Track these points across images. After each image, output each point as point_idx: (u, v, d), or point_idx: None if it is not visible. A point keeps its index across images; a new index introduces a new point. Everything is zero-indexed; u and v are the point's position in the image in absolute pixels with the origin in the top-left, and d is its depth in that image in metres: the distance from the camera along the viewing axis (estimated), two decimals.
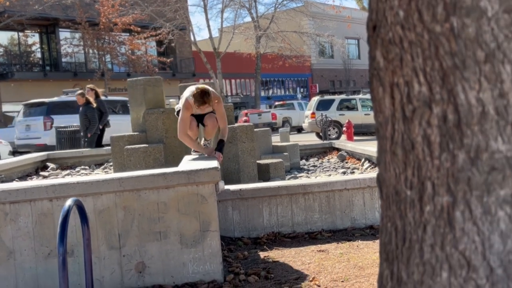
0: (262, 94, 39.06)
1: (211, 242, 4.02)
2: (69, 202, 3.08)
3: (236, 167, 7.03)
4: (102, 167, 9.40)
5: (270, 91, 42.36)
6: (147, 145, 6.82)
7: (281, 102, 32.54)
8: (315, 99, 20.25)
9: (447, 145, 1.33)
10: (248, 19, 34.69)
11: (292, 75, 41.53)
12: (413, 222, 1.43)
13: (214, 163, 4.26)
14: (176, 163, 6.04)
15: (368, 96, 21.59)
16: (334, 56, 44.28)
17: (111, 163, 9.55)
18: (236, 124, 7.35)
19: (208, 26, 31.83)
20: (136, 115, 7.59)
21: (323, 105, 19.57)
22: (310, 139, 17.90)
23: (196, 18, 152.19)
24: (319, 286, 3.71)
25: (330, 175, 8.13)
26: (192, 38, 30.99)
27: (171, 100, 8.75)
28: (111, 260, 3.98)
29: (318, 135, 19.49)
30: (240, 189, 5.30)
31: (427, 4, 1.33)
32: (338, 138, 18.38)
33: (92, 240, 3.91)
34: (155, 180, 3.97)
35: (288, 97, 41.11)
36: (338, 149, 10.51)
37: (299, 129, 27.97)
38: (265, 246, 4.90)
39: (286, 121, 28.59)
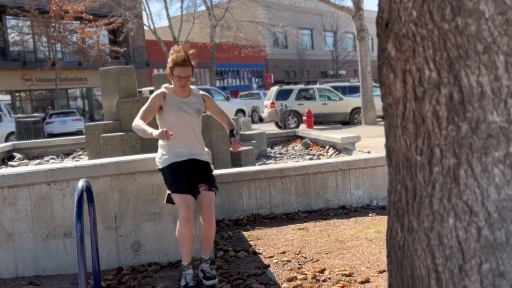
0: (217, 84, 39.20)
1: None
2: (81, 182, 3.31)
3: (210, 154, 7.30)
4: (71, 156, 9.46)
5: (225, 81, 42.52)
6: (123, 133, 7.00)
7: (246, 92, 32.69)
8: (274, 89, 20.65)
9: (453, 118, 1.67)
10: (203, 8, 34.60)
11: (247, 65, 41.84)
12: (423, 181, 1.78)
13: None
14: (152, 151, 6.26)
15: (325, 86, 22.18)
16: (289, 46, 44.85)
17: (80, 153, 9.64)
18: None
19: (168, 14, 31.63)
20: (109, 104, 7.73)
21: (282, 95, 20.02)
22: (269, 128, 18.28)
23: (152, 7, 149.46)
24: (305, 258, 4.06)
25: (297, 161, 8.50)
26: (151, 27, 30.74)
27: (144, 89, 8.89)
28: (108, 240, 4.20)
29: (277, 124, 19.92)
30: (221, 174, 5.59)
31: (437, 7, 1.67)
32: (297, 127, 18.86)
33: (88, 222, 4.13)
34: (149, 163, 4.20)
35: (243, 87, 41.42)
36: (301, 137, 10.89)
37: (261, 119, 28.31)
38: (248, 227, 5.21)
39: (254, 111, 28.80)
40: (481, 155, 1.63)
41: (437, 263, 1.72)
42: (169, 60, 3.71)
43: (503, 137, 1.60)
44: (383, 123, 16.18)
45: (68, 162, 4.57)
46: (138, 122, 3.73)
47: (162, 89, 3.87)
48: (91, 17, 28.76)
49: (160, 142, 3.87)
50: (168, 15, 31.04)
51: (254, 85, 40.10)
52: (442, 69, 1.68)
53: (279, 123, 19.46)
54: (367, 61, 19.60)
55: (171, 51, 3.74)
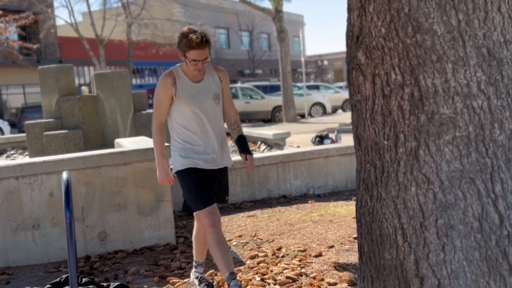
0: (134, 82, 38.78)
1: (165, 210, 4.65)
2: (65, 174, 3.56)
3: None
4: (5, 156, 9.34)
5: (142, 79, 42.09)
6: (67, 131, 7.13)
7: None
8: None
9: (414, 111, 2.20)
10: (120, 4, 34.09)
11: (165, 63, 41.62)
12: (390, 160, 2.30)
13: None
14: (93, 148, 6.49)
15: (247, 85, 22.81)
16: None
17: (12, 152, 9.54)
18: (150, 110, 7.89)
19: (90, 11, 30.81)
20: (49, 102, 7.79)
21: None
22: None
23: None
24: (261, 239, 4.53)
25: (232, 156, 8.93)
26: (73, 23, 29.84)
27: (83, 87, 8.99)
28: (75, 231, 4.44)
29: None
30: (171, 168, 5.92)
31: (401, 26, 2.19)
32: None
33: (57, 214, 4.37)
34: (115, 158, 4.50)
35: None
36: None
37: None
38: None
39: None
40: (436, 139, 2.17)
41: (403, 222, 2.25)
42: (182, 41, 3.05)
43: (451, 125, 2.15)
44: (303, 120, 17.05)
45: (37, 158, 4.73)
46: (154, 138, 3.28)
47: (170, 70, 3.24)
48: (0, 12, 27.52)
49: (174, 140, 3.32)
50: (90, 12, 30.30)
51: None
52: (405, 73, 2.21)
53: None
54: (287, 61, 20.44)
55: (183, 31, 3.09)
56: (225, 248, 3.17)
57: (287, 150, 6.83)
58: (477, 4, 2.14)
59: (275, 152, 6.86)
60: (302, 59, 24.36)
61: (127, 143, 5.29)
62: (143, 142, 5.22)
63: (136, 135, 7.60)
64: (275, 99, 21.86)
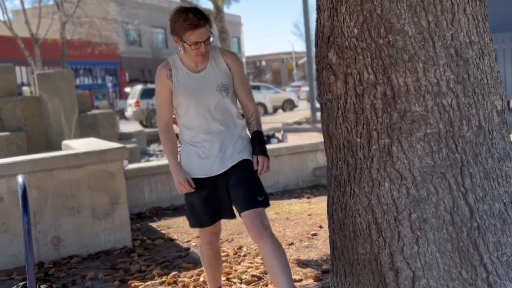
0: None
1: (120, 213, 4.56)
2: (20, 178, 3.42)
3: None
4: None
5: (77, 79, 40.93)
6: (9, 133, 6.84)
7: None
8: (138, 88, 20.64)
9: (386, 109, 2.27)
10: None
11: (101, 62, 40.67)
12: (363, 157, 2.36)
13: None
14: (37, 151, 6.26)
15: None
16: (143, 44, 44.44)
17: None
18: (97, 111, 7.70)
19: (24, 9, 29.49)
20: None
21: (147, 94, 20.07)
22: (134, 127, 18.24)
23: None
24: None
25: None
26: (6, 21, 28.45)
27: (24, 88, 8.63)
28: None
29: (141, 123, 19.94)
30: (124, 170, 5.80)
31: (374, 26, 2.25)
32: None
33: (8, 219, 4.20)
34: (67, 160, 4.37)
35: (96, 85, 40.21)
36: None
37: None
38: (154, 218, 5.53)
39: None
40: (408, 135, 2.25)
41: (377, 217, 2.31)
42: (176, 23, 2.60)
43: (423, 122, 2.23)
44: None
45: None
46: (162, 141, 2.88)
47: (166, 61, 2.81)
48: None
49: (179, 141, 2.92)
50: (24, 10, 29.03)
51: (109, 84, 39.15)
52: (378, 72, 2.27)
53: (144, 122, 19.52)
54: None
55: (172, 14, 2.64)
56: (213, 268, 2.99)
57: None
58: (445, 6, 2.23)
59: None
60: (244, 60, 24.43)
61: (77, 145, 5.15)
62: (95, 143, 5.10)
63: (81, 136, 7.39)
64: None
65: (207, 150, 2.74)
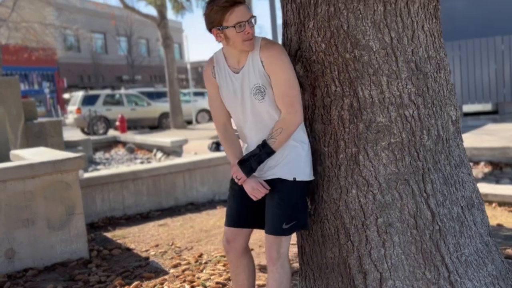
0: None
1: (76, 224, 4.49)
2: None
3: None
4: None
5: None
6: None
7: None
8: (79, 94, 20.16)
9: (353, 120, 2.40)
10: None
11: (37, 68, 39.41)
12: (331, 165, 2.48)
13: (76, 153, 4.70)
14: None
15: (131, 91, 22.31)
16: (82, 50, 43.42)
17: None
18: (44, 119, 7.51)
19: None
20: None
21: (89, 100, 19.66)
22: (74, 134, 17.82)
23: None
24: (179, 247, 4.54)
25: (128, 165, 8.79)
26: None
27: None
28: None
29: (83, 130, 19.49)
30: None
31: (341, 42, 2.38)
32: (105, 133, 18.72)
33: None
34: (21, 171, 4.26)
35: (33, 92, 38.95)
36: (122, 142, 11.11)
37: None
38: (108, 228, 5.47)
39: None
40: (373, 145, 2.38)
41: (345, 222, 2.43)
42: (211, 13, 2.27)
43: (387, 132, 2.38)
44: (191, 127, 17.08)
45: None
46: (223, 145, 2.61)
47: (211, 57, 2.54)
48: None
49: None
50: None
51: (46, 90, 37.98)
52: (345, 85, 2.40)
53: (86, 129, 19.10)
54: (173, 67, 20.35)
55: (205, 8, 2.32)
56: (236, 283, 2.69)
57: (194, 157, 6.86)
58: (406, 23, 2.39)
59: (183, 160, 6.87)
60: (188, 66, 24.35)
61: (29, 155, 5.03)
62: (48, 153, 5.00)
63: (27, 146, 7.20)
64: (162, 106, 21.66)
65: (247, 147, 2.54)
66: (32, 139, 7.27)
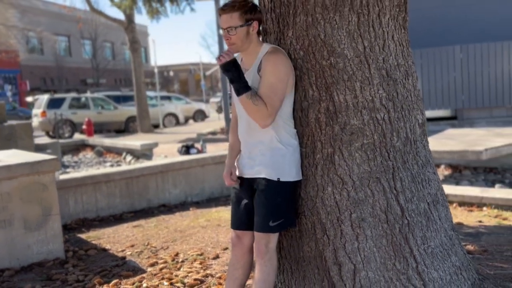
0: None
1: (53, 224, 4.55)
2: None
3: None
4: None
5: None
6: None
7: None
8: (44, 98, 19.90)
9: (329, 122, 2.58)
10: None
11: (1, 71, 38.59)
12: (308, 165, 2.65)
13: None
14: None
15: (97, 95, 22.14)
16: (45, 52, 42.70)
17: None
18: (14, 122, 7.48)
19: None
20: None
21: (54, 104, 19.45)
22: (39, 138, 17.57)
23: None
24: (155, 247, 4.64)
25: (98, 168, 8.81)
26: None
27: None
28: None
29: (48, 133, 19.24)
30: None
31: (318, 50, 2.56)
32: (71, 136, 18.53)
33: None
34: None
35: None
36: (91, 146, 11.09)
37: None
38: (82, 229, 5.52)
39: None
40: (348, 145, 2.57)
41: (321, 218, 2.61)
42: None
43: (360, 134, 2.57)
44: (158, 131, 17.10)
45: None
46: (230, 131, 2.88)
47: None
48: None
49: None
50: None
51: (8, 93, 37.18)
52: (321, 90, 2.58)
53: (51, 133, 18.86)
54: (140, 71, 20.31)
55: None
56: (231, 276, 2.79)
57: (167, 160, 6.97)
58: (377, 33, 2.59)
59: (155, 162, 6.96)
60: (156, 70, 24.33)
61: (3, 157, 5.05)
62: (22, 155, 5.03)
63: None
64: (128, 109, 21.58)
65: (243, 152, 2.73)
66: (2, 141, 7.23)
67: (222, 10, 2.48)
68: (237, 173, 2.75)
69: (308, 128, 2.64)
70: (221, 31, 2.54)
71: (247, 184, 2.68)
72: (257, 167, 2.59)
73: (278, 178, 2.54)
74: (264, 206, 2.55)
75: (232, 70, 2.46)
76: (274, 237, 2.60)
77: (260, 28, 2.63)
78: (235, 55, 2.54)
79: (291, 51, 2.65)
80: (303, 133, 2.66)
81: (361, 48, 2.56)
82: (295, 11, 2.62)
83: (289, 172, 2.57)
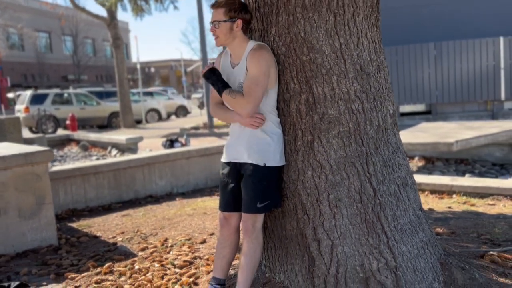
0: None
1: (46, 213, 4.76)
2: None
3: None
4: None
5: None
6: None
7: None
8: (27, 93, 19.91)
9: (309, 112, 2.84)
10: None
11: None
12: (290, 151, 2.91)
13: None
14: None
15: (79, 90, 22.18)
16: (25, 48, 42.39)
17: None
18: (2, 116, 7.62)
19: None
20: None
21: (37, 100, 19.47)
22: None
23: None
24: (144, 233, 4.87)
25: (85, 162, 8.97)
26: None
27: None
28: None
29: (31, 129, 19.27)
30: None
31: (299, 46, 2.82)
32: (54, 132, 18.57)
33: None
34: None
35: None
36: (75, 140, 11.23)
37: None
38: (73, 219, 5.73)
39: None
40: (326, 133, 2.84)
41: (302, 199, 2.87)
42: None
43: (337, 123, 2.84)
44: (141, 126, 17.24)
45: None
46: (213, 109, 3.02)
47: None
48: None
49: None
50: None
51: None
52: (302, 83, 2.85)
53: (34, 128, 18.89)
54: (123, 67, 20.42)
55: None
56: (221, 252, 3.02)
57: (153, 153, 7.18)
58: (352, 31, 2.86)
59: (142, 155, 7.16)
60: (138, 66, 24.42)
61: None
62: (14, 147, 5.22)
63: None
64: (111, 105, 21.69)
65: (229, 139, 2.99)
66: None
67: (212, 5, 2.80)
68: (225, 159, 2.99)
69: (290, 118, 2.90)
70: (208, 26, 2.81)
71: (234, 170, 2.91)
72: (245, 154, 2.83)
73: (264, 164, 2.79)
74: (252, 189, 2.80)
75: (211, 76, 2.84)
76: (260, 217, 2.87)
77: (247, 27, 2.88)
78: (228, 51, 2.88)
79: (274, 48, 2.90)
80: (285, 122, 2.92)
81: (337, 45, 2.83)
82: (277, 11, 2.87)
83: (274, 158, 2.83)
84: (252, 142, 2.82)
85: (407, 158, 3.18)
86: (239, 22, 2.78)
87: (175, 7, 18.06)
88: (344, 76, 2.83)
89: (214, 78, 2.83)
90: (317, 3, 2.79)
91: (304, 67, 2.84)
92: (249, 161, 2.81)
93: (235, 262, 3.34)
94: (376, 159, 2.86)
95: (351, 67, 2.84)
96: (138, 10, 17.12)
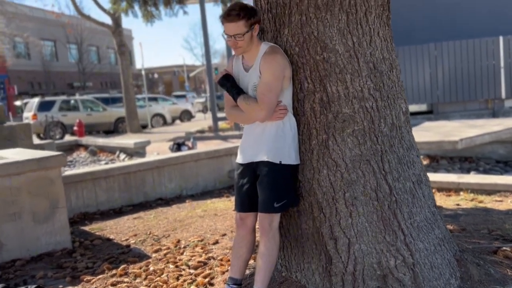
0: None
1: (60, 217, 4.79)
2: None
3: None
4: None
5: None
6: None
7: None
8: (35, 101, 20.08)
9: (323, 111, 2.86)
10: None
11: None
12: (305, 150, 2.93)
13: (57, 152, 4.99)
14: None
15: (86, 97, 22.30)
16: (32, 57, 42.63)
17: None
18: (14, 123, 7.68)
19: None
20: None
21: (45, 106, 19.63)
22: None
23: None
24: (157, 235, 4.90)
25: (94, 166, 9.01)
26: None
27: None
28: None
29: (39, 136, 19.38)
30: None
31: (312, 46, 2.84)
32: (62, 138, 18.68)
33: None
34: (8, 168, 4.53)
35: None
36: (84, 146, 11.29)
37: None
38: (86, 222, 5.76)
39: None
40: (341, 132, 2.85)
41: (318, 198, 2.89)
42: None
43: (351, 121, 2.85)
44: (146, 131, 17.34)
45: None
46: (229, 112, 3.03)
47: None
48: None
49: None
50: None
51: None
52: (316, 82, 2.87)
53: (42, 135, 19.00)
54: (128, 74, 20.53)
55: None
56: (238, 252, 3.03)
57: (162, 156, 7.21)
58: (365, 30, 2.88)
59: (151, 158, 7.20)
60: (143, 72, 24.57)
61: (10, 154, 5.28)
62: (27, 153, 5.26)
63: None
64: (117, 111, 21.83)
65: (243, 139, 3.01)
66: (2, 141, 7.42)
67: (226, 19, 2.72)
68: (240, 160, 2.99)
69: (304, 117, 2.93)
70: (224, 36, 2.81)
71: (250, 170, 2.92)
72: (260, 153, 2.84)
73: (280, 161, 2.80)
74: (269, 189, 2.80)
75: (225, 83, 2.91)
76: (277, 217, 2.87)
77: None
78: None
79: (287, 48, 2.93)
80: (300, 121, 2.94)
81: (350, 43, 2.85)
82: (290, 11, 2.90)
83: (289, 156, 2.85)
84: (268, 141, 2.83)
85: (420, 156, 3.20)
86: (257, 26, 2.79)
87: (185, 12, 18.11)
88: (358, 74, 2.85)
89: (229, 85, 2.89)
90: (330, 3, 2.81)
91: (317, 66, 2.86)
92: (265, 159, 2.81)
93: (250, 262, 3.36)
94: (391, 156, 2.88)
95: (364, 66, 2.86)
96: (149, 16, 17.21)
